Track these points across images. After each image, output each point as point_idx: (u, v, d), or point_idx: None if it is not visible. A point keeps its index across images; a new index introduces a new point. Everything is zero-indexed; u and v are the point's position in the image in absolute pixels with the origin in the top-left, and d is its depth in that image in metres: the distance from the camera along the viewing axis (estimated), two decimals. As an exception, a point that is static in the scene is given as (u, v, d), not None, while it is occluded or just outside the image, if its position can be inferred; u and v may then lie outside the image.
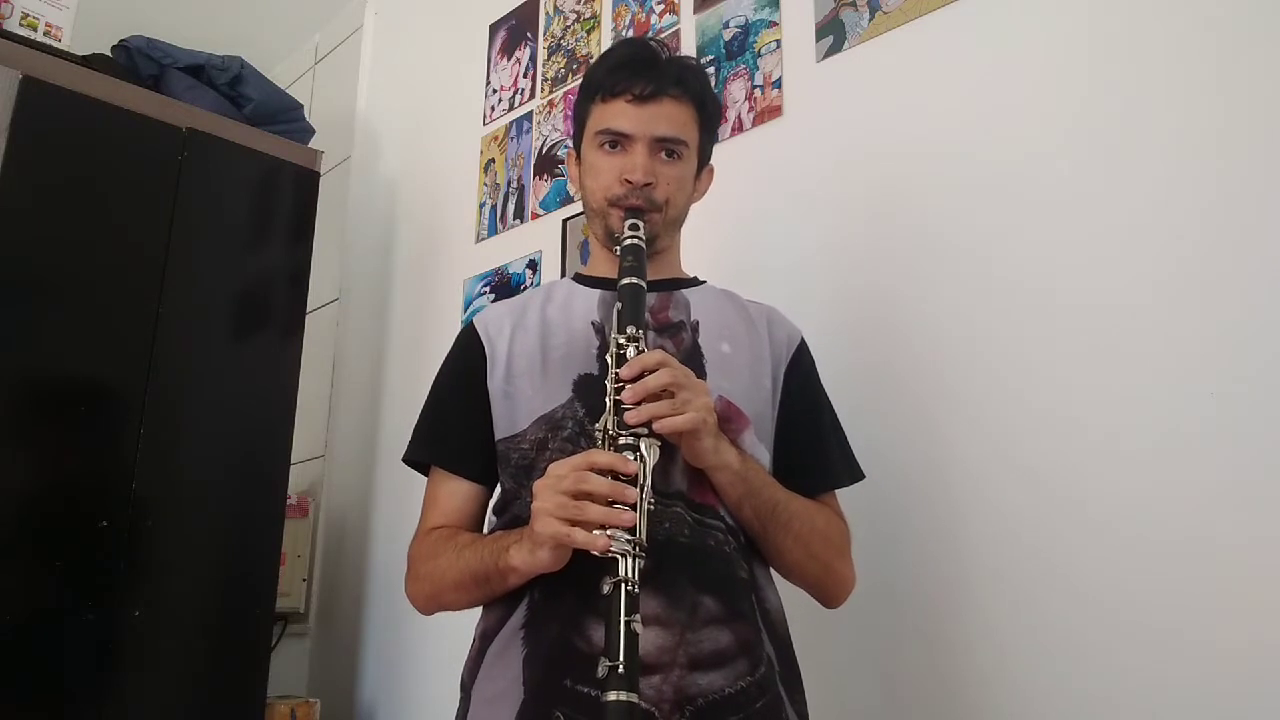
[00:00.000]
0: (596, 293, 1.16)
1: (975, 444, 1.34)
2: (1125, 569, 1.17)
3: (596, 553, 0.89)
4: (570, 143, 1.24)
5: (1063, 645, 1.20)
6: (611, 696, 0.82)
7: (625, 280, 1.04)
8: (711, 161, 1.23)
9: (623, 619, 0.86)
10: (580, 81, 1.21)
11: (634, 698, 0.83)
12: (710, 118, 1.20)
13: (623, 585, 0.87)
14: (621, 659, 0.84)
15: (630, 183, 1.11)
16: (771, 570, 1.11)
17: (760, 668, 0.99)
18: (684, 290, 1.19)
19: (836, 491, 1.16)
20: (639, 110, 1.12)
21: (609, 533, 0.89)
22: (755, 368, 1.13)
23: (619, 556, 0.88)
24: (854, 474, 1.17)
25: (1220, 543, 1.11)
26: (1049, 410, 1.27)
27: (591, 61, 1.21)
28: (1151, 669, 1.13)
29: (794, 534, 1.06)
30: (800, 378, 1.17)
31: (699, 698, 0.94)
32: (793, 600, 1.12)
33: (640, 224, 1.09)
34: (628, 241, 1.08)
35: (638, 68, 1.13)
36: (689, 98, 1.15)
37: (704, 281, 1.23)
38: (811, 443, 1.14)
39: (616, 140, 1.13)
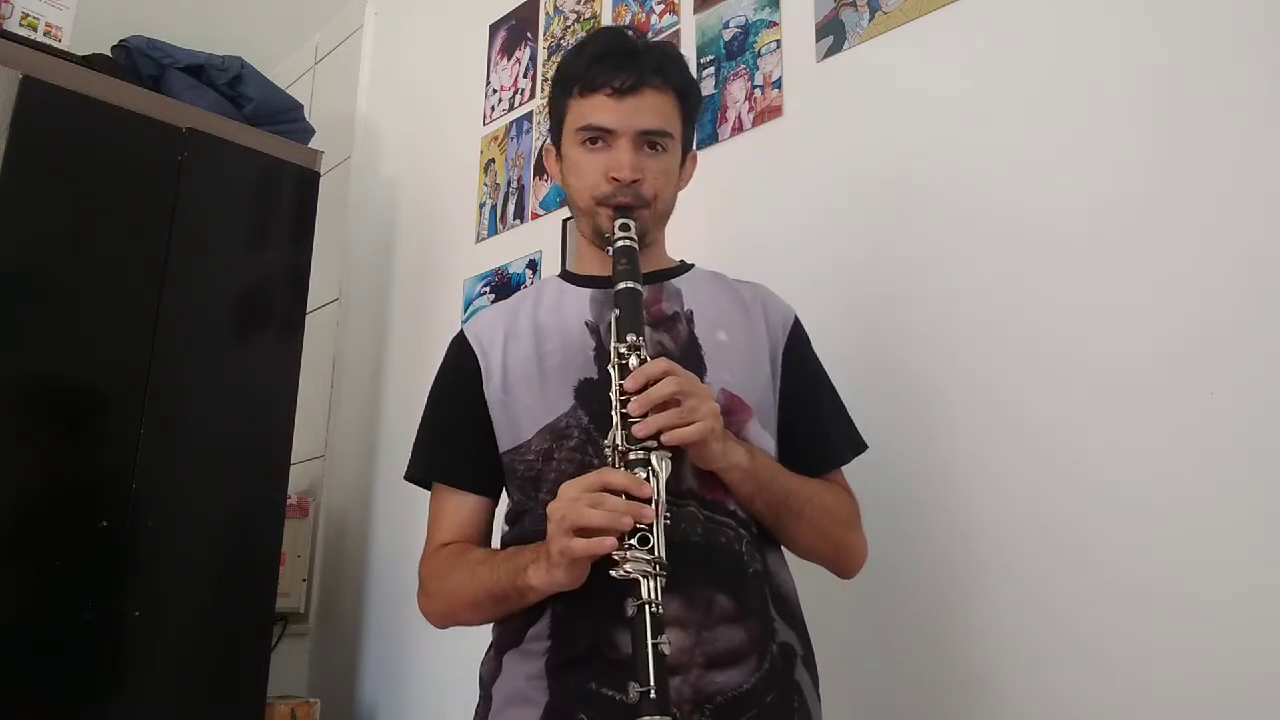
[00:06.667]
0: (588, 292, 1.14)
1: (976, 432, 1.34)
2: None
3: (612, 555, 0.88)
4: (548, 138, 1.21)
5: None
6: None
7: (621, 285, 1.02)
8: (695, 149, 1.20)
9: (649, 641, 0.85)
10: (554, 74, 1.17)
11: None
12: (692, 106, 1.16)
13: (647, 608, 0.87)
14: (653, 683, 0.83)
15: (617, 180, 1.08)
16: (784, 550, 1.11)
17: (766, 661, 0.99)
18: (674, 279, 1.17)
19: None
20: (620, 104, 1.08)
21: (628, 554, 0.88)
22: (753, 354, 1.12)
23: (640, 578, 0.88)
24: (856, 447, 1.17)
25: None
26: (1049, 396, 1.28)
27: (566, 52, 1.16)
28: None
29: (806, 519, 1.06)
30: (798, 358, 1.16)
31: (717, 695, 0.94)
32: (799, 579, 1.12)
33: (631, 223, 1.07)
34: (620, 243, 1.05)
35: (617, 59, 1.09)
36: (670, 87, 1.11)
37: (692, 265, 1.21)
38: (813, 423, 1.14)
39: (598, 136, 1.09)
